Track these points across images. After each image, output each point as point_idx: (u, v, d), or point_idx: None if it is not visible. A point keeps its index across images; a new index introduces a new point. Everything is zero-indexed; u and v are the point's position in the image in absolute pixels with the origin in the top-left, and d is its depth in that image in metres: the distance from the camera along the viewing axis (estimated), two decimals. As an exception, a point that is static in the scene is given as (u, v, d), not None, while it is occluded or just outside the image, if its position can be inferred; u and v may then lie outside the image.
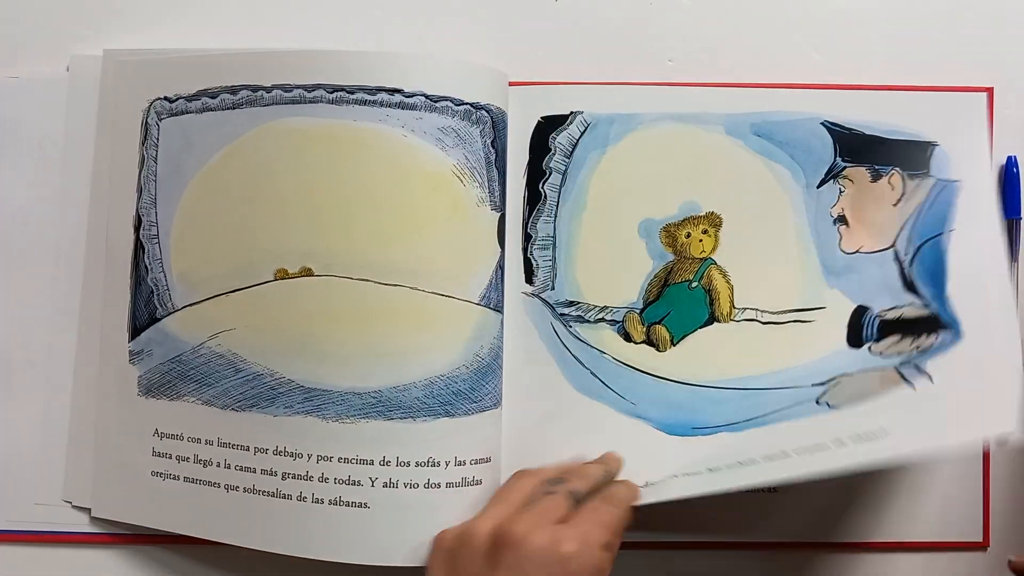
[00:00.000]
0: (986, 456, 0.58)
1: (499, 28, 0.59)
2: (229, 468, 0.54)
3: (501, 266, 0.56)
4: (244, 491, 0.54)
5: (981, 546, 0.58)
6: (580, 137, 0.57)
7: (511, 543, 0.47)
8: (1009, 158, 0.58)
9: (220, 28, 0.59)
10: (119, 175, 0.58)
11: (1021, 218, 0.58)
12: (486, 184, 0.55)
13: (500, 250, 0.56)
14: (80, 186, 0.58)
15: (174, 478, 0.56)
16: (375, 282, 0.53)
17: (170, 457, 0.56)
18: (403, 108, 0.54)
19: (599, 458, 0.55)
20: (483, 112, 0.55)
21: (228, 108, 0.55)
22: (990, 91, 0.58)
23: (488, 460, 0.55)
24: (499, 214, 0.56)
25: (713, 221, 0.57)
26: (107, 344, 0.57)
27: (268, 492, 0.54)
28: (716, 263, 0.57)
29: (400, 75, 0.54)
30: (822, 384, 0.55)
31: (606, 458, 0.55)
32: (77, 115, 0.58)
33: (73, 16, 0.59)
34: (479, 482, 0.54)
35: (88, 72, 0.58)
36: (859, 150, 0.57)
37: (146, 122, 0.57)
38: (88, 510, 0.58)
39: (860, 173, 0.57)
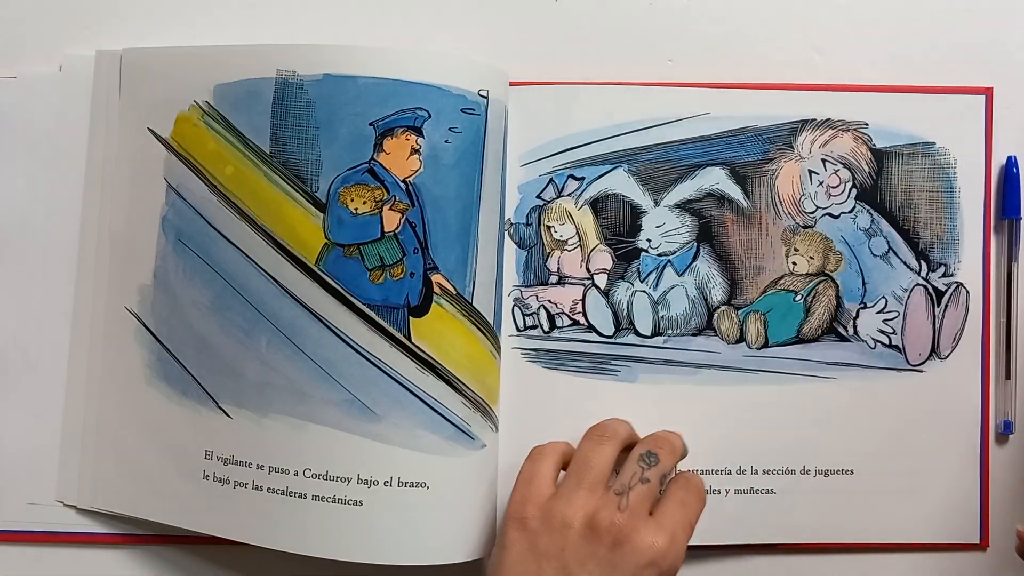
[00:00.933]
0: (985, 457, 0.58)
1: (499, 28, 0.59)
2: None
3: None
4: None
5: (980, 547, 0.58)
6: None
7: (609, 539, 0.48)
8: (1009, 158, 0.58)
9: (217, 24, 0.59)
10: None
11: (1021, 218, 0.58)
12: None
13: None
14: (74, 184, 0.58)
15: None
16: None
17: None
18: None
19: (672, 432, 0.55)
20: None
21: None
22: (990, 91, 0.58)
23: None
24: None
25: None
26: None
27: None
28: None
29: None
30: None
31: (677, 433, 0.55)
32: (70, 114, 0.58)
33: (66, 15, 0.59)
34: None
35: (81, 71, 0.58)
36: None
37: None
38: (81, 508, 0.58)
39: None
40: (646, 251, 0.58)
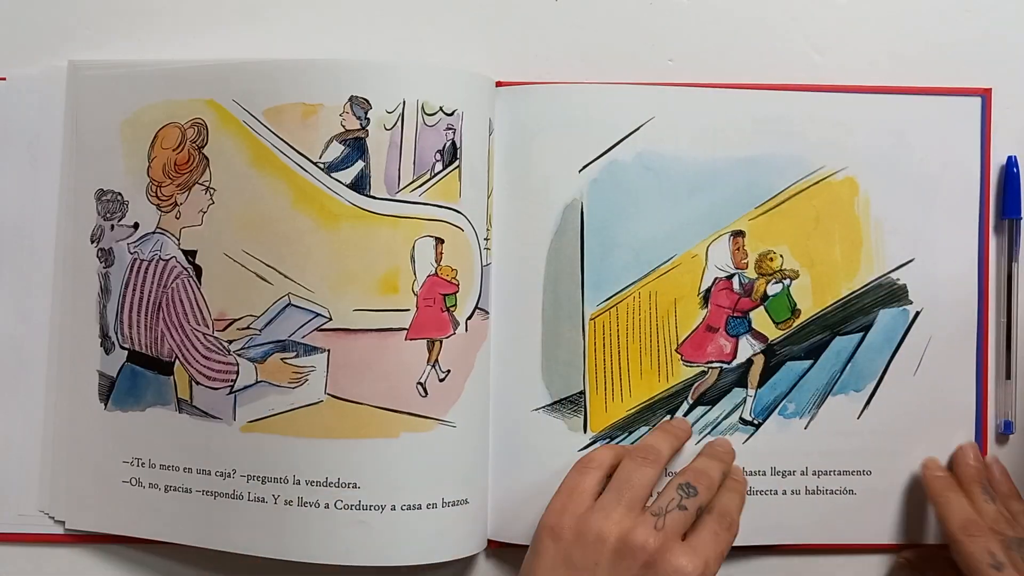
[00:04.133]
0: (983, 454, 0.58)
1: (498, 28, 0.59)
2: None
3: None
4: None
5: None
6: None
7: (643, 557, 0.48)
8: (1009, 158, 0.58)
9: (189, 38, 0.59)
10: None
11: (1021, 218, 0.58)
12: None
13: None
14: (51, 191, 0.58)
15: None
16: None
17: (143, 465, 0.56)
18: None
19: (713, 446, 0.56)
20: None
21: None
22: (988, 92, 0.58)
23: None
24: None
25: None
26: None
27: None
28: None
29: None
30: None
31: (720, 449, 0.56)
32: (50, 119, 0.58)
33: (64, 18, 0.58)
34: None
35: (58, 79, 0.58)
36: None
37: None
38: (62, 522, 0.58)
39: None
40: None
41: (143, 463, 0.56)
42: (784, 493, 0.57)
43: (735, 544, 0.55)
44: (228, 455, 0.54)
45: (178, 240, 0.55)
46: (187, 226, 0.55)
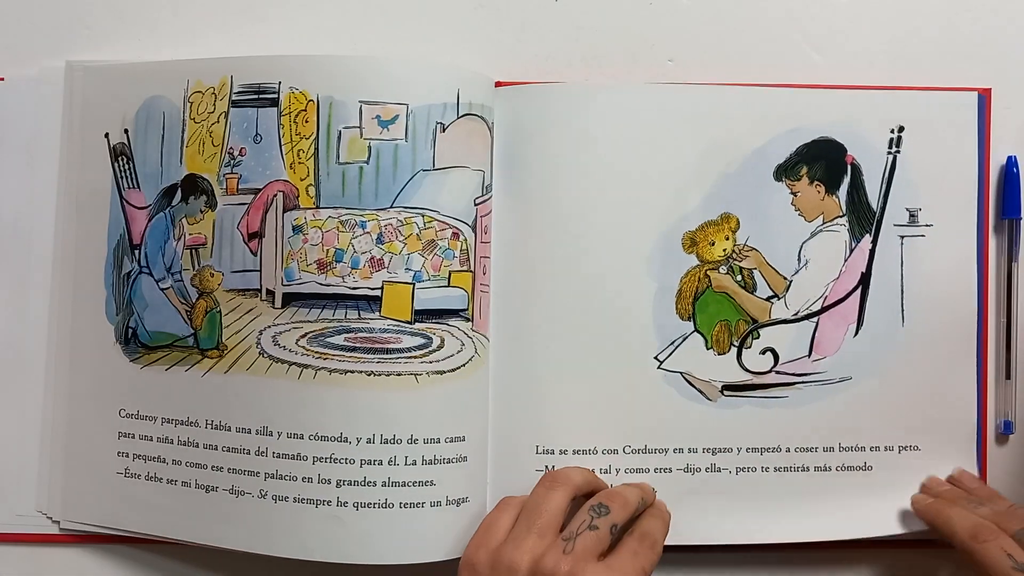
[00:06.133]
0: (984, 457, 0.58)
1: (498, 28, 0.59)
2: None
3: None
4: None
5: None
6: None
7: None
8: (1009, 158, 0.58)
9: (188, 38, 0.59)
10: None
11: (1021, 218, 0.58)
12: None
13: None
14: (49, 191, 0.58)
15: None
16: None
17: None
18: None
19: (634, 485, 0.55)
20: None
21: None
22: (988, 91, 0.58)
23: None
24: None
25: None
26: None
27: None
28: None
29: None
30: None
31: (642, 486, 0.55)
32: (47, 119, 0.58)
33: (62, 19, 0.59)
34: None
35: (55, 79, 0.58)
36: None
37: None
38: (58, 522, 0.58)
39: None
40: None
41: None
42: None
43: (748, 543, 0.56)
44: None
45: (177, 240, 0.55)
46: (186, 226, 0.55)
